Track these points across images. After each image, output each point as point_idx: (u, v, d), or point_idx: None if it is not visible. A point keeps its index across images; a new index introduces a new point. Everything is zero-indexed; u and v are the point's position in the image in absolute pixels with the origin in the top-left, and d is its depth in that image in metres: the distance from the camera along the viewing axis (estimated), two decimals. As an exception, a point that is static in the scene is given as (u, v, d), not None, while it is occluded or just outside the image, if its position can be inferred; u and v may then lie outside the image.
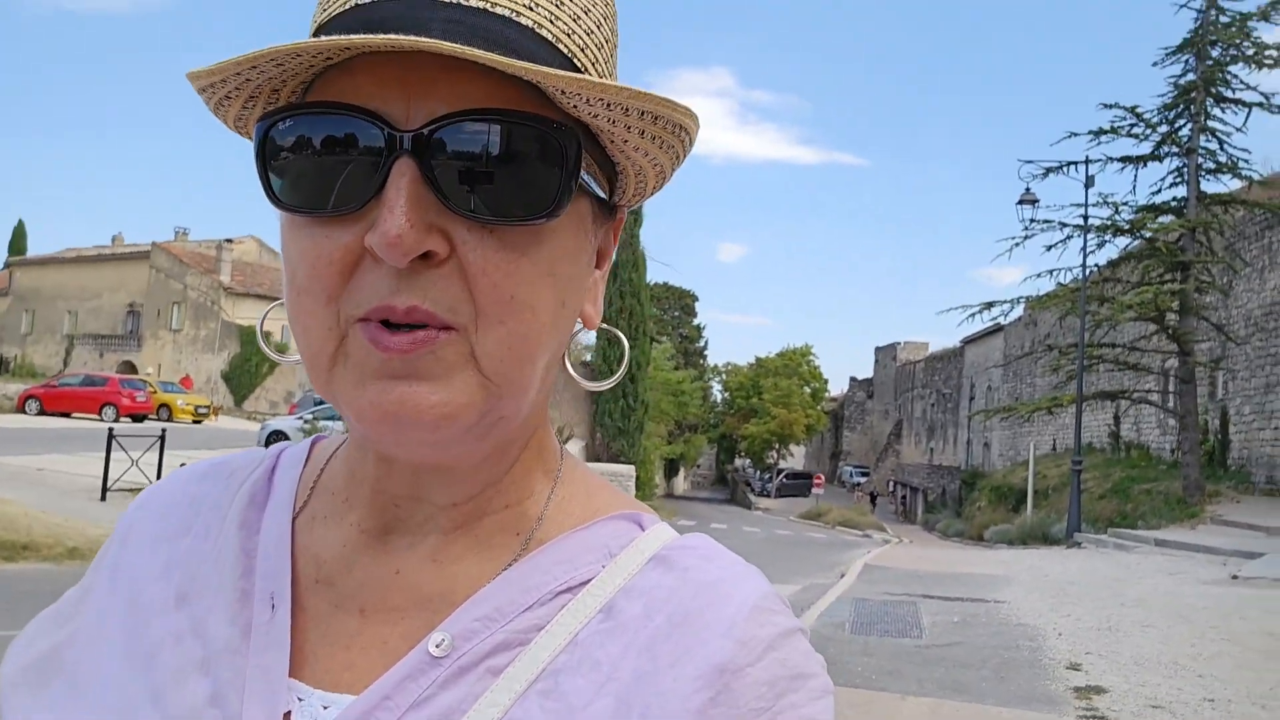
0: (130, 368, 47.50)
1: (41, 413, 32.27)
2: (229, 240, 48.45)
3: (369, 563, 0.60)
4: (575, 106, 0.53)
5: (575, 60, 0.55)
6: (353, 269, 0.52)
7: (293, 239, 0.54)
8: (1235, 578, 12.22)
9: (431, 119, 0.50)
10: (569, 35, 0.55)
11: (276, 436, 26.00)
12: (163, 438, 15.66)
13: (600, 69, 0.57)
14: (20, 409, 32.18)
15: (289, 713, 0.56)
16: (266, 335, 0.75)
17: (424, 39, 0.48)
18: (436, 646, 0.56)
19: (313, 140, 0.52)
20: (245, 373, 45.87)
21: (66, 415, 32.28)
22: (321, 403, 28.53)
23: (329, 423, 24.85)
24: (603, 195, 0.59)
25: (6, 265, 61.54)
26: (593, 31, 0.56)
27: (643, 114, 0.54)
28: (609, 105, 0.53)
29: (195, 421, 33.72)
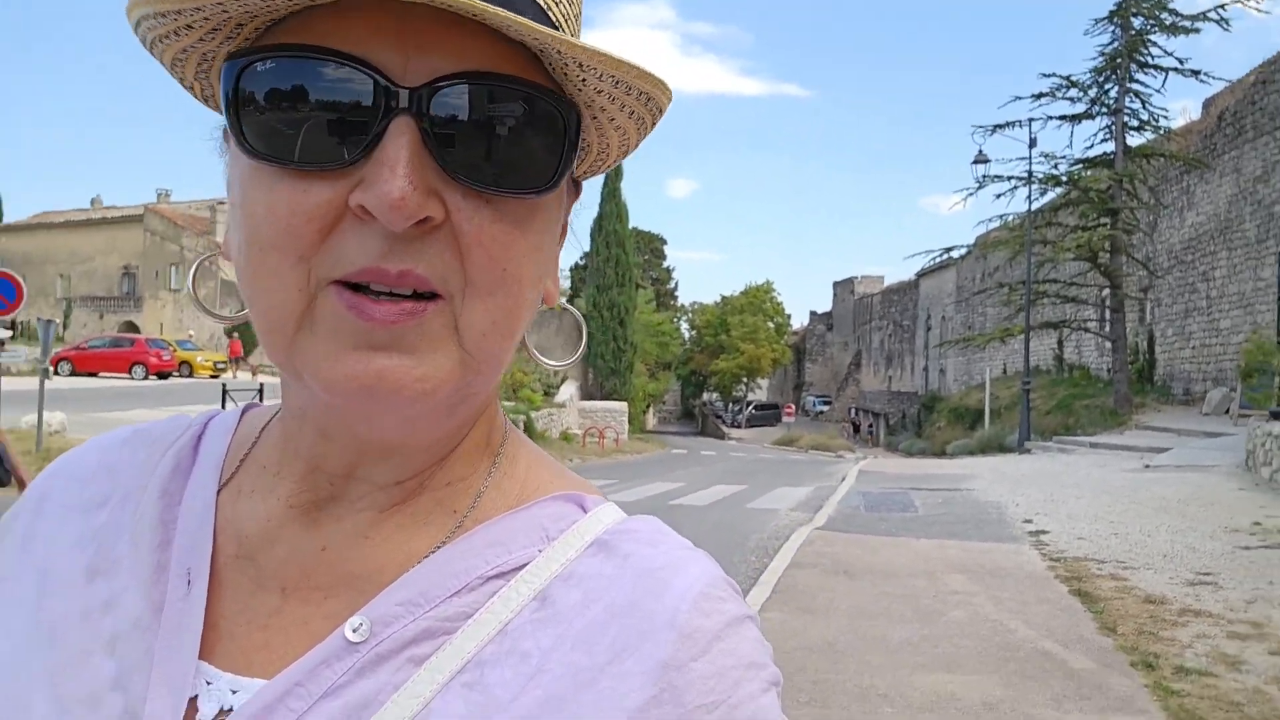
0: (131, 327, 49.46)
1: (73, 373, 34.26)
2: (221, 202, 49.91)
3: (294, 538, 0.57)
4: (584, 80, 0.50)
5: (562, 29, 0.52)
6: (331, 228, 0.48)
7: (259, 191, 0.49)
8: (1147, 467, 15.83)
9: (435, 76, 0.47)
10: (557, 3, 0.52)
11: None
12: (261, 391, 18.47)
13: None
14: (54, 370, 34.14)
15: (195, 697, 0.53)
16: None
17: None
18: (354, 631, 0.52)
19: (299, 86, 0.48)
20: (248, 329, 47.67)
21: (94, 375, 34.37)
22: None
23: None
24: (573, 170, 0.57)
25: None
26: (574, 0, 0.54)
27: (640, 94, 0.52)
28: (616, 83, 0.51)
29: (213, 376, 35.90)
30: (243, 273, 0.51)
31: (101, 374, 34.44)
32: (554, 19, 0.52)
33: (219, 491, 0.61)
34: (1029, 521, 10.96)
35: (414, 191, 0.47)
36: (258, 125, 0.49)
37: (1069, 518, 11.10)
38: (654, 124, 0.56)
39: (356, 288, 0.49)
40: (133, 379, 33.79)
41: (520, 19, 0.46)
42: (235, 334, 47.26)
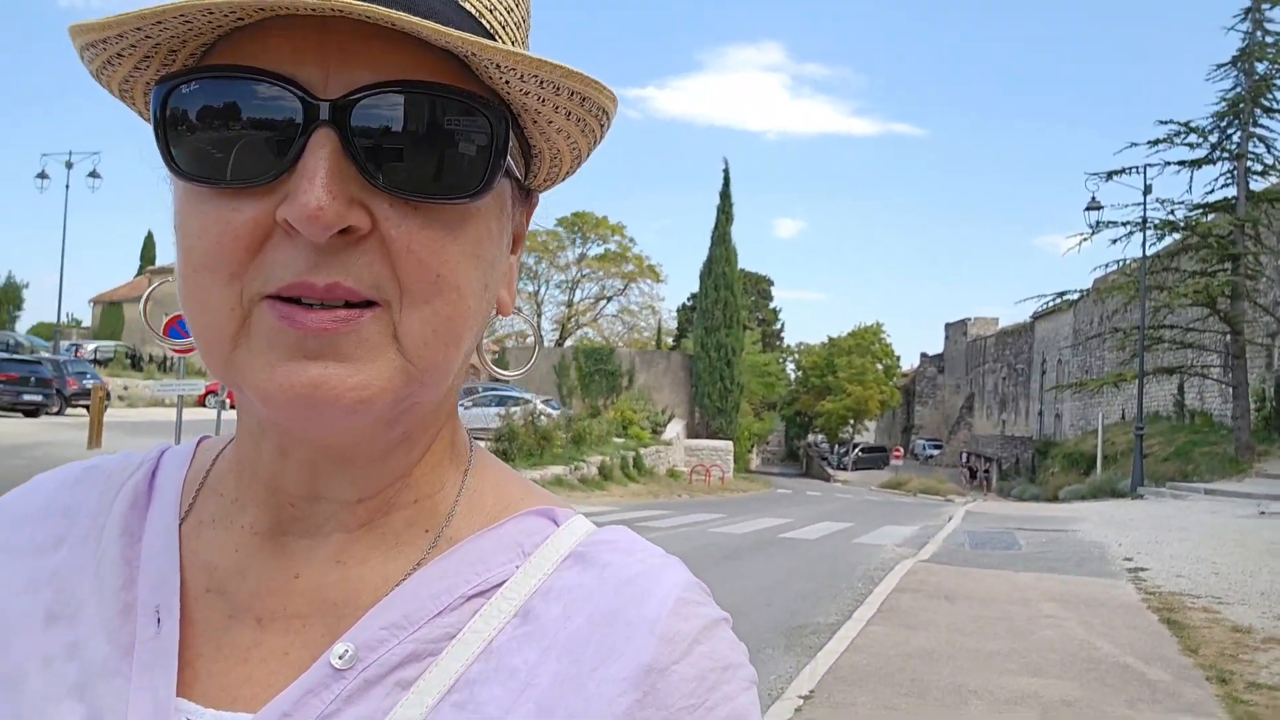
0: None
1: (222, 406, 36.51)
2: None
3: (265, 568, 0.57)
4: (507, 82, 0.51)
5: (498, 36, 0.54)
6: (260, 244, 0.49)
7: (193, 212, 0.50)
8: (1262, 513, 15.78)
9: (354, 88, 0.49)
10: (490, 10, 0.54)
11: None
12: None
13: (520, 47, 0.55)
14: (201, 404, 36.45)
15: None
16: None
17: (352, 1, 0.46)
18: (339, 658, 0.53)
19: (222, 106, 0.49)
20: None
21: (233, 408, 36.61)
22: (473, 390, 29.20)
23: (489, 409, 26.20)
24: (520, 177, 0.58)
25: (142, 273, 67.35)
26: (512, 9, 0.55)
27: (572, 94, 0.52)
28: (541, 83, 0.51)
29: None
30: (180, 294, 0.52)
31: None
32: (488, 27, 0.53)
33: (180, 524, 0.60)
34: (1129, 560, 11.34)
35: (332, 202, 0.47)
36: (185, 147, 0.50)
37: (1171, 558, 11.43)
38: (602, 127, 0.57)
39: (289, 301, 0.49)
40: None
41: (428, 24, 0.46)
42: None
